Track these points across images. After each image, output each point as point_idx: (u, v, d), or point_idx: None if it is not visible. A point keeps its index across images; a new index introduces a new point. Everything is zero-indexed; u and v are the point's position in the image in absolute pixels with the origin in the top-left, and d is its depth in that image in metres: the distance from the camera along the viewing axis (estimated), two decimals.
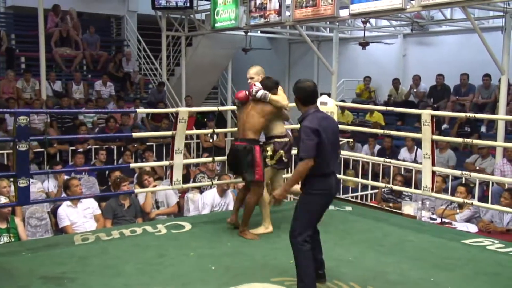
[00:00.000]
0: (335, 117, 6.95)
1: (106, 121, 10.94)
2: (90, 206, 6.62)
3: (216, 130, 7.50)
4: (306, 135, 3.96)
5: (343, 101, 13.22)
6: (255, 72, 5.89)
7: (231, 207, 7.18)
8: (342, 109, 12.60)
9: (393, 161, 7.37)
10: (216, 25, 12.55)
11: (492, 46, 8.97)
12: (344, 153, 8.51)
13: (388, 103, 12.75)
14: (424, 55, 13.46)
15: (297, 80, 4.23)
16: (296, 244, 4.00)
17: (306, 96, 4.11)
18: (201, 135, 10.89)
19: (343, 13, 10.10)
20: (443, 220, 6.88)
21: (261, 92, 5.59)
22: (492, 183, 8.04)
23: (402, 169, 8.95)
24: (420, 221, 6.58)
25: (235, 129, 13.74)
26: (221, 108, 6.96)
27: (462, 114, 7.48)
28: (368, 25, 12.58)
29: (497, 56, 8.99)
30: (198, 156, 10.97)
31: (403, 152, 10.27)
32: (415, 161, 9.49)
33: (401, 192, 7.89)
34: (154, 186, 7.26)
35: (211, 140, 10.82)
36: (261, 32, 15.19)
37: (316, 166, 3.98)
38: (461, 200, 6.42)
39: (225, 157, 9.85)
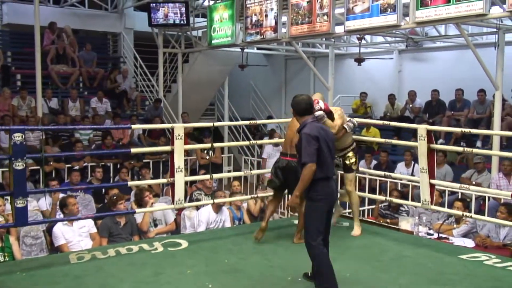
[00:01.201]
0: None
1: (103, 138, 10.94)
2: (86, 225, 6.59)
3: (215, 145, 7.47)
4: (307, 142, 4.35)
5: None
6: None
7: (227, 224, 7.18)
8: None
9: (392, 174, 7.37)
10: (213, 41, 12.61)
11: (486, 61, 9.02)
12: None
13: (384, 119, 12.79)
14: (419, 71, 13.54)
15: (294, 96, 4.67)
16: (313, 250, 4.31)
17: (303, 108, 4.54)
18: (197, 151, 10.87)
19: (339, 29, 10.18)
20: (440, 235, 6.88)
21: (319, 113, 5.74)
22: (489, 197, 8.06)
23: (399, 184, 8.97)
24: (417, 236, 6.57)
25: (232, 143, 13.74)
26: (216, 123, 6.96)
27: (458, 129, 7.50)
28: (363, 41, 12.68)
29: (491, 71, 9.04)
30: (193, 173, 10.96)
31: (400, 167, 10.29)
32: (412, 175, 9.50)
33: (398, 207, 7.90)
34: (152, 204, 7.25)
35: (207, 157, 10.84)
36: (258, 48, 15.28)
37: (318, 170, 4.35)
38: (460, 212, 6.42)
39: (222, 174, 9.97)
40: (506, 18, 9.16)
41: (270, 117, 16.70)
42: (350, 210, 7.37)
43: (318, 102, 5.79)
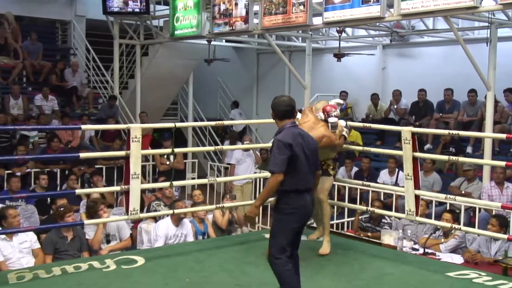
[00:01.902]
0: None
1: (49, 141, 10.80)
2: (28, 240, 6.48)
3: (176, 150, 7.42)
4: (277, 149, 4.38)
5: None
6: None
7: (189, 239, 7.16)
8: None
9: (372, 184, 7.44)
10: (176, 32, 12.57)
11: (477, 59, 9.19)
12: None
13: (367, 121, 12.92)
14: (405, 68, 13.71)
15: (275, 97, 4.68)
16: (277, 268, 4.35)
17: (281, 111, 4.55)
18: (157, 156, 10.82)
19: (317, 21, 10.25)
20: (426, 250, 6.98)
21: (333, 120, 6.07)
22: (480, 208, 8.20)
23: (382, 194, 9.06)
24: (401, 252, 6.65)
25: (196, 149, 13.70)
26: (178, 124, 6.95)
27: (446, 131, 7.62)
28: (344, 34, 12.79)
29: (482, 70, 9.21)
30: (154, 181, 10.90)
31: (383, 175, 10.40)
32: (396, 184, 9.62)
33: (380, 220, 7.99)
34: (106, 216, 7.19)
35: (167, 163, 10.79)
36: (226, 41, 15.27)
37: (290, 182, 4.37)
38: (447, 224, 6.51)
39: (185, 181, 9.93)
40: (499, 11, 9.36)
41: (235, 104, 16.65)
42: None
43: (336, 109, 6.00)
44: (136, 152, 5.75)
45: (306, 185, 4.46)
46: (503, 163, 6.30)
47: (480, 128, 10.56)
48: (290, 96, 4.71)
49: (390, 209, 8.41)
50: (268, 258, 4.43)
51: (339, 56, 12.00)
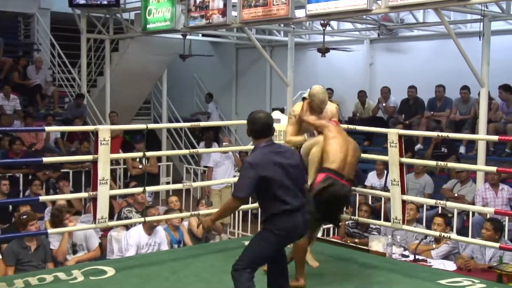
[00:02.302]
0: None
1: (10, 143, 10.71)
2: None
3: (148, 154, 7.40)
4: (244, 172, 4.42)
5: None
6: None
7: (163, 247, 7.14)
8: None
9: (357, 188, 7.48)
10: (148, 26, 12.53)
11: (470, 54, 9.28)
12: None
13: (353, 120, 12.97)
14: (394, 63, 13.79)
15: (251, 112, 4.64)
16: (238, 278, 4.33)
17: (256, 129, 4.52)
18: (128, 160, 10.78)
19: (299, 14, 10.28)
20: (417, 257, 7.03)
21: None
22: (473, 212, 8.28)
23: (370, 197, 9.10)
24: (390, 258, 6.70)
25: (169, 152, 13.62)
26: (151, 125, 6.93)
27: (434, 133, 7.69)
28: (328, 28, 12.83)
29: (475, 65, 9.30)
30: (125, 185, 10.86)
31: (371, 177, 10.46)
32: (385, 187, 9.67)
33: (368, 225, 8.02)
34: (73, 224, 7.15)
35: (140, 166, 10.75)
36: (203, 35, 15.24)
37: (272, 206, 4.39)
38: (437, 233, 6.57)
39: (159, 186, 9.90)
40: (492, 3, 9.47)
41: (209, 95, 16.62)
42: None
43: None
44: (104, 156, 5.73)
45: (295, 204, 4.42)
46: (494, 169, 6.39)
47: (474, 127, 10.67)
48: (267, 113, 4.68)
49: (379, 213, 8.45)
50: (233, 266, 4.42)
51: (323, 51, 12.03)
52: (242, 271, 4.35)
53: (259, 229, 9.89)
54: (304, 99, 5.80)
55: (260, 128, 4.50)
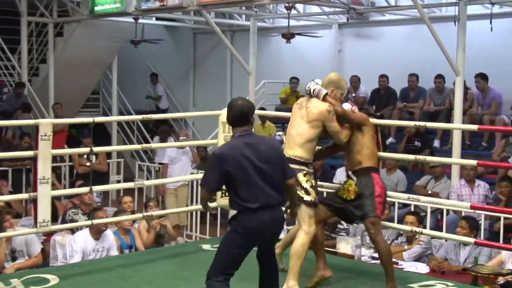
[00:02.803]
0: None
1: None
2: None
3: (95, 149, 7.37)
4: (211, 163, 4.57)
5: (263, 108, 13.40)
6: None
7: (112, 253, 7.11)
8: (263, 119, 12.78)
9: (326, 184, 7.52)
10: (96, 9, 12.41)
11: (445, 40, 9.41)
12: None
13: None
14: (364, 50, 13.89)
15: (232, 99, 4.84)
16: (207, 282, 4.43)
17: (231, 117, 4.64)
18: (75, 156, 10.69)
19: None
20: None
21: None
22: (448, 210, 8.42)
23: None
24: (359, 261, 6.79)
25: (122, 147, 13.52)
26: (98, 119, 6.89)
27: (411, 123, 7.77)
28: (293, 12, 12.86)
29: (450, 52, 9.43)
30: (71, 185, 10.77)
31: (339, 174, 10.52)
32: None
33: (335, 225, 8.08)
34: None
35: (87, 164, 10.67)
36: (157, 19, 15.17)
37: (237, 201, 4.48)
38: (408, 228, 6.64)
39: (108, 186, 9.83)
40: None
41: (155, 75, 16.48)
42: None
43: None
44: (45, 152, 5.67)
45: (262, 203, 4.46)
46: (474, 162, 6.49)
47: (449, 118, 10.82)
48: (247, 101, 4.75)
49: None
50: (206, 275, 4.49)
51: (288, 36, 12.06)
52: (215, 280, 4.42)
53: (218, 231, 9.98)
54: (326, 94, 5.55)
55: (234, 115, 4.60)
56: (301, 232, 5.35)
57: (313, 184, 5.42)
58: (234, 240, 4.50)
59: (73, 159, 11.03)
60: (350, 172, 5.80)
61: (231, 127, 4.69)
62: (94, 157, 10.69)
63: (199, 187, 4.85)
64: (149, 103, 16.97)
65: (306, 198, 5.32)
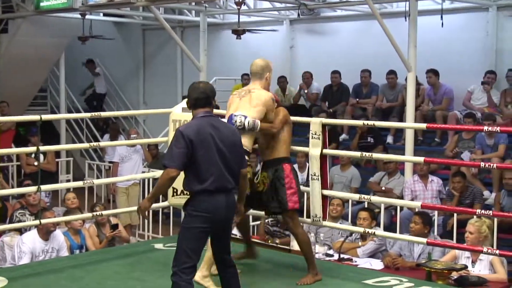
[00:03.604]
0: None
1: None
2: None
3: (42, 148, 7.22)
4: (175, 141, 4.51)
5: (216, 106, 13.35)
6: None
7: (62, 253, 7.04)
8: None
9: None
10: (42, 4, 12.23)
11: (396, 36, 9.51)
12: None
13: None
14: (316, 46, 13.96)
15: (192, 82, 4.87)
16: (174, 278, 4.43)
17: (193, 98, 4.69)
18: (22, 156, 10.51)
19: None
20: (342, 256, 7.18)
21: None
22: (401, 207, 8.52)
23: None
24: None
25: (70, 146, 13.39)
26: (46, 116, 6.75)
27: (360, 122, 7.84)
28: (244, 7, 12.84)
29: (402, 48, 9.54)
30: (19, 185, 10.57)
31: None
32: (307, 182, 9.80)
33: None
34: None
35: (35, 163, 10.49)
36: (105, 15, 14.99)
37: (195, 181, 4.51)
38: (361, 229, 6.72)
39: (57, 185, 9.68)
40: None
41: (91, 61, 16.23)
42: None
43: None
44: None
45: (219, 185, 4.53)
46: (421, 159, 6.61)
47: (402, 114, 10.94)
48: (208, 83, 4.92)
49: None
50: (171, 268, 4.50)
51: (239, 32, 12.05)
52: (179, 274, 4.42)
53: (171, 230, 9.90)
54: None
55: (197, 96, 4.65)
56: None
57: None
58: (191, 226, 4.51)
59: (20, 159, 10.84)
60: (262, 163, 5.93)
61: (192, 109, 4.71)
62: (42, 156, 10.50)
63: (161, 173, 4.58)
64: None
65: None
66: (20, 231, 7.51)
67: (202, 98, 4.65)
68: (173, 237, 5.78)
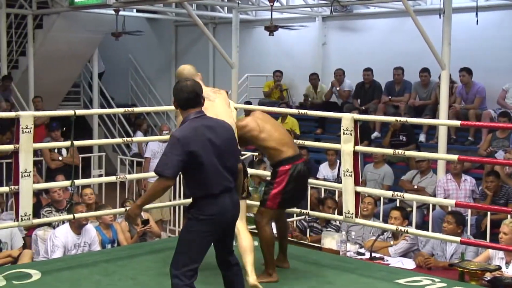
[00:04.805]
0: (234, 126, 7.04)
1: None
2: None
3: (76, 143, 7.24)
4: (170, 147, 4.28)
5: (248, 102, 13.39)
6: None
7: (94, 248, 7.10)
8: (246, 113, 12.75)
9: (311, 181, 7.53)
10: (76, 0, 12.33)
11: (430, 33, 9.43)
12: (252, 171, 8.62)
13: (304, 105, 13.04)
14: (349, 43, 13.91)
15: (176, 82, 4.64)
16: (174, 281, 4.31)
17: (183, 98, 4.43)
18: (45, 151, 10.58)
19: None
20: (373, 254, 7.13)
21: None
22: (434, 206, 8.44)
23: (322, 190, 9.17)
24: (345, 257, 6.78)
25: (103, 141, 13.45)
26: (80, 111, 6.81)
27: (392, 118, 7.78)
28: (276, 4, 12.83)
29: (436, 46, 9.45)
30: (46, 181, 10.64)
31: (323, 169, 10.56)
32: (338, 178, 9.78)
33: (329, 220, 8.07)
34: None
35: (60, 158, 10.58)
36: (138, 11, 15.08)
37: (198, 187, 4.35)
38: (393, 227, 6.67)
39: (89, 179, 9.74)
40: None
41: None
42: None
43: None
44: (26, 145, 5.65)
45: (222, 186, 4.39)
46: (455, 157, 6.52)
47: (435, 112, 10.85)
48: (195, 81, 4.60)
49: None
50: (170, 270, 4.38)
51: (271, 29, 12.02)
52: (180, 277, 4.28)
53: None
54: None
55: (187, 96, 4.42)
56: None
57: None
58: (196, 230, 4.35)
59: (44, 154, 10.88)
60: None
61: (181, 110, 4.48)
62: (65, 151, 10.61)
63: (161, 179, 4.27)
64: (131, 96, 16.87)
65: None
66: (52, 224, 7.62)
67: (192, 97, 4.42)
68: None
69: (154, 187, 4.34)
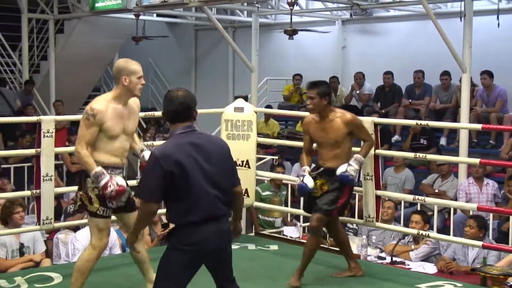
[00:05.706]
0: (254, 127, 7.02)
1: None
2: None
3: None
4: (150, 168, 3.92)
5: (269, 106, 13.38)
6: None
7: (115, 251, 7.07)
8: (266, 117, 12.75)
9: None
10: (97, 5, 12.39)
11: (450, 36, 9.36)
12: (268, 175, 8.60)
13: None
14: (369, 47, 13.87)
15: (168, 90, 4.21)
16: None
17: (171, 110, 4.02)
18: (65, 155, 10.61)
19: None
20: (394, 259, 7.07)
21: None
22: (455, 210, 8.36)
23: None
24: (366, 261, 6.73)
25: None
26: None
27: (413, 122, 7.73)
28: (296, 7, 12.83)
29: (457, 49, 9.38)
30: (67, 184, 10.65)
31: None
32: (358, 182, 9.70)
33: (345, 224, 8.02)
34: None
35: None
36: (158, 15, 15.14)
37: (178, 212, 3.92)
38: (414, 231, 6.61)
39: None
40: None
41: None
42: (278, 229, 7.45)
43: None
44: (48, 149, 5.69)
45: (207, 214, 3.90)
46: (477, 161, 6.45)
47: (455, 116, 10.78)
48: (187, 92, 4.10)
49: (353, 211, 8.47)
50: None
51: (290, 33, 12.01)
52: None
53: None
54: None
55: (175, 108, 3.97)
56: (88, 246, 4.93)
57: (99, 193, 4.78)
58: (174, 260, 3.96)
59: (64, 158, 10.91)
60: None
61: (170, 123, 4.10)
62: None
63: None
64: (151, 100, 16.92)
65: (89, 208, 4.82)
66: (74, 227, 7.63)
67: (181, 111, 3.96)
68: None
69: (140, 215, 4.08)
